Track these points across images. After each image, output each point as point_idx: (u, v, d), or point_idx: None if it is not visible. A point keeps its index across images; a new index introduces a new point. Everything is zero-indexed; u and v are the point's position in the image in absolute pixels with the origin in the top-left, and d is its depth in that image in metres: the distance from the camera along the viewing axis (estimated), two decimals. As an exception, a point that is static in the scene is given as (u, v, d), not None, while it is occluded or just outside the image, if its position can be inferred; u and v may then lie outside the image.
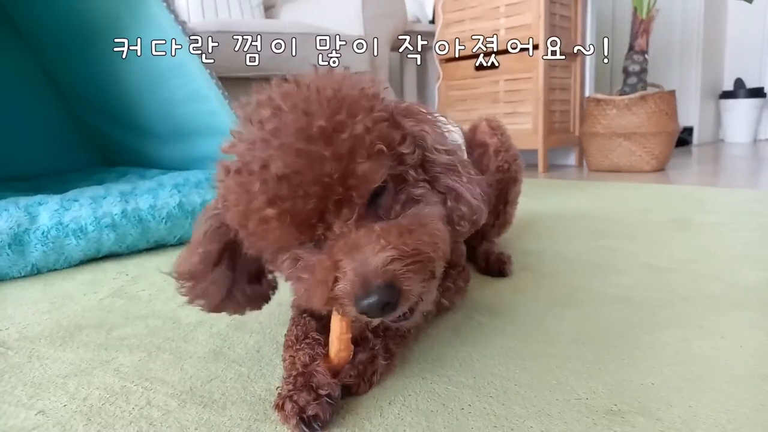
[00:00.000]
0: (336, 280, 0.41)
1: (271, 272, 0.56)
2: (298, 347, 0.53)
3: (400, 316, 0.44)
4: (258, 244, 0.46)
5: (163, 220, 1.11)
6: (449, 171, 0.50)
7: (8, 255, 0.94)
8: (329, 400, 0.46)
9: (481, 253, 0.87)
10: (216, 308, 0.54)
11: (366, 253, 0.40)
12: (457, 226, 0.51)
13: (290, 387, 0.47)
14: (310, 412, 0.44)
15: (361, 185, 0.41)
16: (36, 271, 0.99)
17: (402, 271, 0.40)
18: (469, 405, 0.48)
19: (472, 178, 0.51)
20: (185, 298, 0.53)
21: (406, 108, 0.50)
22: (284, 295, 0.73)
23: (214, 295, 0.53)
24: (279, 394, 0.47)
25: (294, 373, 0.49)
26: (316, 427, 0.44)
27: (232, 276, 0.53)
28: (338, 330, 0.51)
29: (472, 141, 0.83)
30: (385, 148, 0.43)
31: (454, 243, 0.67)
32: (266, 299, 0.57)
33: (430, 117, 0.51)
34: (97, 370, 0.58)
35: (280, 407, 0.46)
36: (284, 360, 0.54)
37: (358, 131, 0.41)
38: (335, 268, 0.41)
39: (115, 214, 1.06)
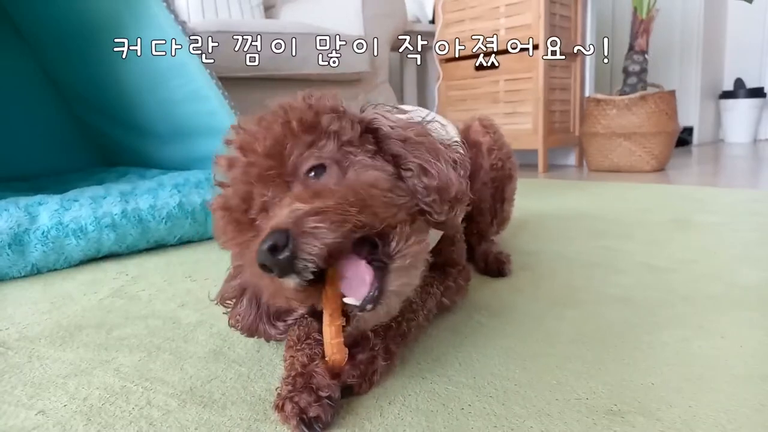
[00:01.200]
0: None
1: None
2: (298, 348, 0.53)
3: (365, 298, 0.44)
4: (229, 249, 0.52)
5: (163, 220, 1.11)
6: (412, 147, 0.52)
7: (8, 255, 0.94)
8: (329, 402, 0.46)
9: (480, 253, 0.88)
10: (250, 334, 0.59)
11: (279, 216, 0.42)
12: (426, 198, 0.51)
13: (290, 388, 0.47)
14: (311, 414, 0.44)
15: (289, 169, 0.48)
16: (36, 271, 0.99)
17: (303, 219, 0.41)
18: (469, 405, 0.48)
19: (438, 151, 0.52)
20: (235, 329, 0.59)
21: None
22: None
23: (245, 323, 0.58)
24: (279, 394, 0.47)
25: (293, 373, 0.49)
26: (317, 428, 0.44)
27: (257, 308, 0.58)
28: (328, 335, 0.50)
29: (466, 140, 0.84)
30: (310, 138, 0.48)
31: (452, 239, 0.68)
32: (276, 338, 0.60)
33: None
34: (97, 370, 0.58)
35: (279, 408, 0.46)
36: (285, 360, 0.54)
37: (288, 124, 0.48)
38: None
39: (115, 214, 1.06)
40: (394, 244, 0.45)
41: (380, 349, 0.52)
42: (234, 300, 0.58)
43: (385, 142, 0.52)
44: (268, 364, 0.58)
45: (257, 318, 0.58)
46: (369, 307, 0.44)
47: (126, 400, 0.51)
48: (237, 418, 0.47)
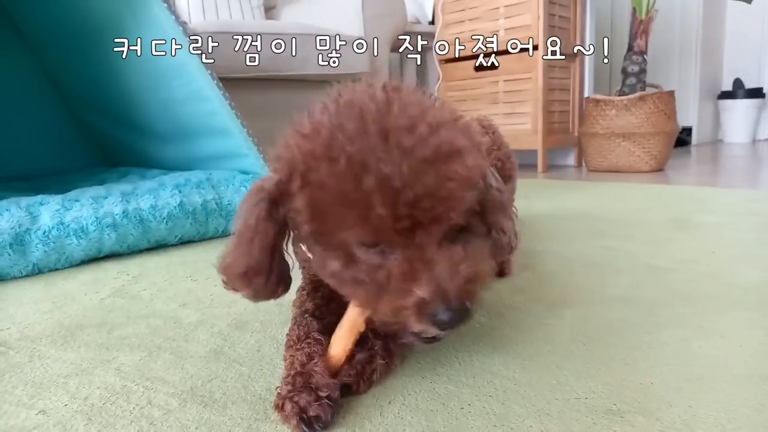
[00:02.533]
0: (411, 289, 0.42)
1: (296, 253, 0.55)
2: (298, 347, 0.53)
3: (434, 337, 0.46)
4: (324, 236, 0.45)
5: (164, 220, 1.11)
6: (500, 209, 0.53)
7: (9, 255, 0.95)
8: (329, 401, 0.46)
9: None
10: (264, 297, 0.53)
11: (448, 269, 0.42)
12: (498, 256, 0.54)
13: (289, 387, 0.47)
14: (311, 413, 0.44)
15: (461, 209, 0.43)
16: (37, 271, 0.99)
17: (473, 293, 0.43)
18: (469, 404, 0.48)
19: (511, 212, 0.55)
20: (238, 293, 0.52)
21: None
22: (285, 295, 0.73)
23: (269, 284, 0.51)
24: (278, 394, 0.47)
25: (292, 372, 0.49)
26: (318, 428, 0.44)
27: (279, 263, 0.51)
28: (357, 325, 0.51)
29: None
30: (482, 185, 0.46)
31: None
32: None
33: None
34: (98, 370, 0.58)
35: (279, 407, 0.46)
36: (285, 359, 0.54)
37: (475, 160, 0.43)
38: (412, 277, 0.42)
39: (116, 214, 1.06)
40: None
41: (379, 349, 0.53)
42: (259, 267, 0.50)
43: (485, 202, 0.51)
44: (269, 363, 0.58)
45: (280, 284, 0.52)
46: (436, 343, 0.49)
47: (127, 399, 0.52)
48: (237, 418, 0.48)
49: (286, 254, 0.52)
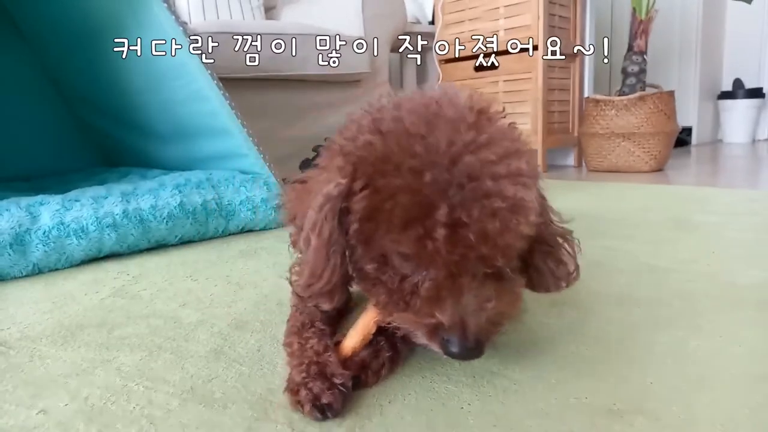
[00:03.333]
0: (433, 312, 0.43)
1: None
2: (306, 334, 0.54)
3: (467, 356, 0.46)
4: (370, 238, 0.44)
5: (164, 220, 1.11)
6: (555, 241, 0.53)
7: (9, 255, 0.95)
8: (342, 389, 0.47)
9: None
10: (339, 300, 0.51)
11: (472, 303, 0.43)
12: (552, 288, 0.55)
13: (304, 375, 0.48)
14: (324, 401, 0.46)
15: (511, 257, 0.44)
16: (37, 271, 0.99)
17: (490, 334, 0.44)
18: (469, 404, 0.48)
19: (573, 243, 0.55)
20: (318, 305, 0.52)
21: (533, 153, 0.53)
22: (284, 294, 0.74)
23: (339, 287, 0.50)
24: (291, 380, 0.49)
25: (306, 361, 0.50)
26: (329, 415, 0.46)
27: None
28: (366, 329, 0.53)
29: None
30: (532, 234, 0.45)
31: None
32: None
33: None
34: (98, 370, 0.58)
35: (294, 392, 0.47)
36: (290, 345, 0.54)
37: (536, 214, 0.43)
38: (439, 301, 0.43)
39: (117, 214, 1.06)
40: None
41: (385, 344, 0.54)
42: (338, 286, 0.49)
43: (544, 238, 0.51)
44: (269, 363, 0.58)
45: (345, 286, 0.51)
46: (465, 361, 0.50)
47: (127, 399, 0.52)
48: (238, 418, 0.48)
49: None
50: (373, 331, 0.53)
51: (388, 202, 0.41)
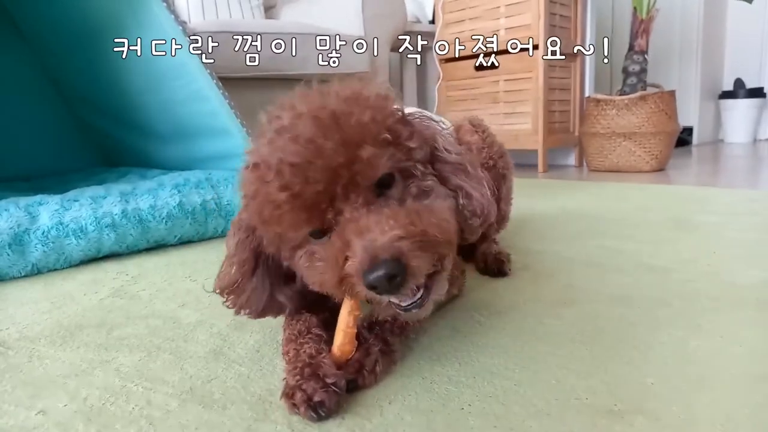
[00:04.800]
0: (346, 259, 0.43)
1: None
2: (302, 341, 0.54)
3: (412, 303, 0.47)
4: (274, 236, 0.49)
5: (164, 220, 1.11)
6: (458, 170, 0.53)
7: (8, 255, 0.95)
8: (335, 388, 0.48)
9: (480, 253, 0.88)
10: (261, 314, 0.58)
11: (375, 232, 0.42)
12: (469, 221, 0.54)
13: (298, 377, 0.49)
14: (316, 398, 0.46)
15: (366, 170, 0.44)
16: (36, 271, 0.99)
17: (409, 248, 0.42)
18: (469, 404, 0.48)
19: (480, 177, 0.55)
20: (231, 310, 0.57)
21: (418, 116, 0.54)
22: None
23: (258, 302, 0.57)
24: (287, 384, 0.49)
25: (300, 364, 0.50)
26: (322, 413, 0.46)
27: (270, 280, 0.56)
28: (344, 323, 0.53)
29: (458, 141, 0.84)
30: (390, 137, 0.46)
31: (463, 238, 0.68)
32: (305, 296, 0.58)
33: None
34: (97, 370, 0.58)
35: (289, 396, 0.47)
36: (287, 353, 0.55)
37: (365, 119, 0.44)
38: (346, 248, 0.43)
39: (116, 214, 1.06)
40: (445, 261, 0.49)
41: (374, 342, 0.54)
42: (237, 285, 0.56)
43: (440, 166, 0.53)
44: (268, 364, 0.58)
45: (270, 294, 0.57)
46: (414, 311, 0.48)
47: (126, 399, 0.52)
48: (237, 418, 0.48)
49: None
50: (351, 323, 0.53)
51: (254, 203, 0.46)
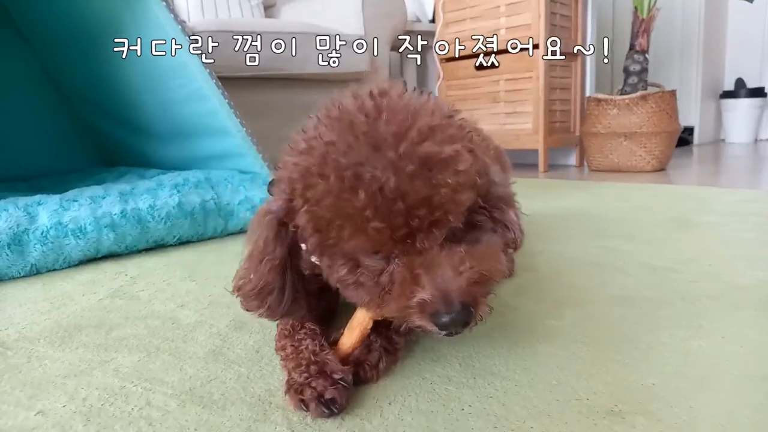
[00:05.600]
0: (413, 292, 0.43)
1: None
2: (298, 336, 0.54)
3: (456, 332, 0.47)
4: (329, 250, 0.47)
5: (163, 220, 1.11)
6: (502, 203, 0.54)
7: (7, 255, 0.94)
8: (344, 384, 0.48)
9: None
10: (280, 315, 0.54)
11: (448, 271, 0.43)
12: (508, 249, 0.55)
13: (306, 374, 0.49)
14: (327, 396, 0.46)
15: (458, 212, 0.44)
16: (35, 271, 0.99)
17: (479, 294, 0.44)
18: (469, 405, 0.48)
19: (516, 209, 0.55)
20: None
21: (478, 134, 0.54)
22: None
23: (284, 305, 0.53)
24: (293, 381, 0.49)
25: (305, 362, 0.50)
26: (334, 410, 0.46)
27: (297, 282, 0.53)
28: (364, 323, 0.53)
29: None
30: (477, 180, 0.46)
31: None
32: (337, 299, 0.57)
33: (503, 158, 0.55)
34: (96, 371, 0.58)
35: (297, 392, 0.47)
36: (283, 349, 0.55)
37: (467, 164, 0.44)
38: (414, 280, 0.43)
39: (115, 214, 1.06)
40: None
41: (377, 338, 0.54)
42: (267, 285, 0.52)
43: (488, 197, 0.52)
44: (268, 364, 0.58)
45: (296, 302, 0.54)
46: (456, 336, 0.48)
47: (125, 400, 0.51)
48: (236, 419, 0.47)
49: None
50: (370, 326, 0.53)
51: (325, 210, 0.43)
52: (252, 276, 0.51)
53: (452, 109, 0.49)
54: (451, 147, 0.43)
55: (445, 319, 0.42)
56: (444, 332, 0.44)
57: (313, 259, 0.51)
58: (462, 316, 0.42)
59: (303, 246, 0.51)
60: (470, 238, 0.47)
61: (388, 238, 0.42)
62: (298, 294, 0.54)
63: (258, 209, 0.54)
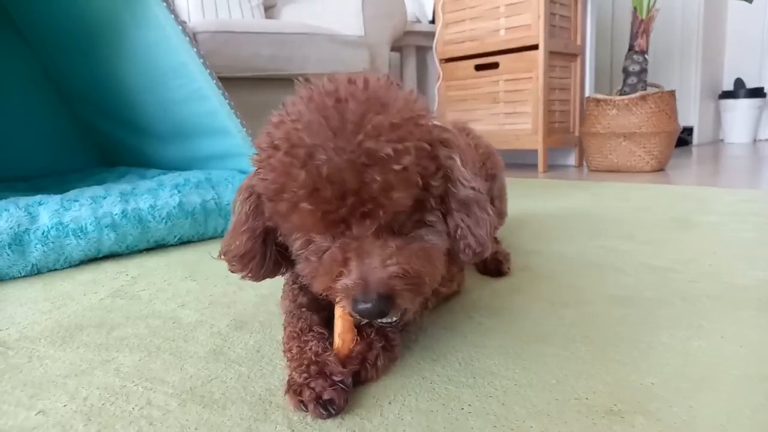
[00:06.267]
0: (340, 274, 0.46)
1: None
2: (305, 338, 0.55)
3: (387, 323, 0.51)
4: (280, 222, 0.50)
5: (163, 220, 1.11)
6: (463, 208, 0.53)
7: (8, 255, 0.94)
8: (343, 386, 0.48)
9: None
10: (262, 278, 0.59)
11: (375, 261, 0.45)
12: (461, 255, 0.54)
13: (306, 375, 0.49)
14: (326, 397, 0.47)
15: (391, 207, 0.45)
16: (36, 271, 0.99)
17: (400, 289, 0.45)
18: (469, 405, 0.48)
19: (482, 218, 0.54)
20: (236, 274, 0.58)
21: (446, 137, 0.53)
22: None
23: (265, 268, 0.57)
24: (293, 381, 0.49)
25: (306, 362, 0.51)
26: (332, 410, 0.46)
27: (275, 247, 0.57)
28: (339, 328, 0.55)
29: None
30: (420, 182, 0.47)
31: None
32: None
33: (462, 144, 0.55)
34: (97, 370, 0.58)
35: (296, 393, 0.48)
36: (289, 350, 0.55)
37: (407, 163, 0.44)
38: (343, 263, 0.46)
39: (115, 214, 1.06)
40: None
41: (376, 336, 0.55)
42: (248, 252, 0.56)
43: (448, 199, 0.52)
44: (268, 364, 0.58)
45: (275, 260, 0.58)
46: (389, 328, 0.54)
47: (126, 399, 0.52)
48: (237, 418, 0.47)
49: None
50: (348, 317, 0.54)
51: (273, 182, 0.46)
52: (235, 243, 0.56)
53: (425, 108, 0.50)
54: (394, 145, 0.44)
55: (361, 306, 0.44)
56: (364, 320, 0.47)
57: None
58: (378, 306, 0.44)
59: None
60: (414, 235, 0.49)
61: (318, 220, 0.44)
62: (279, 259, 0.58)
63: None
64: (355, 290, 0.45)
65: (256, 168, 0.50)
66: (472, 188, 0.53)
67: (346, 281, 0.45)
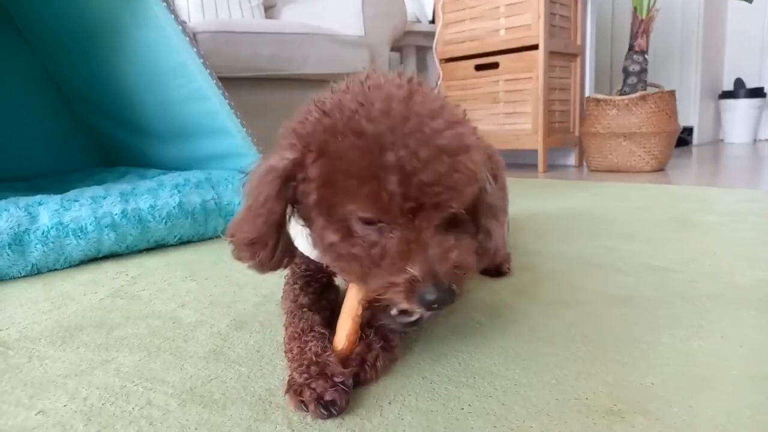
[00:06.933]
0: (405, 266, 0.45)
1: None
2: (306, 338, 0.55)
3: (413, 321, 0.51)
4: (330, 207, 0.47)
5: (164, 220, 1.11)
6: (490, 212, 0.55)
7: (8, 255, 0.94)
8: (344, 387, 0.48)
9: (477, 252, 0.88)
10: (269, 269, 0.56)
11: (440, 253, 0.45)
12: (481, 259, 0.55)
13: (306, 375, 0.49)
14: (327, 398, 0.46)
15: (464, 200, 0.47)
16: (36, 271, 0.99)
17: (459, 278, 0.46)
18: (469, 405, 0.48)
19: (502, 222, 0.57)
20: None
21: (489, 146, 0.56)
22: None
23: (276, 258, 0.55)
24: (293, 381, 0.49)
25: (306, 362, 0.50)
26: (333, 411, 0.46)
27: (285, 238, 0.55)
28: (353, 310, 0.54)
29: None
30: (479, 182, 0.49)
31: None
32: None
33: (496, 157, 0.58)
34: (97, 370, 0.58)
35: (297, 393, 0.48)
36: (290, 351, 0.55)
37: (480, 159, 0.47)
38: (407, 256, 0.45)
39: (115, 214, 1.06)
40: None
41: (375, 337, 0.55)
42: (260, 238, 0.53)
43: (477, 203, 0.53)
44: (268, 364, 0.58)
45: (285, 256, 0.56)
46: (411, 329, 0.54)
47: (126, 400, 0.52)
48: (237, 418, 0.47)
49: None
50: (360, 312, 0.54)
51: (343, 165, 0.45)
52: (247, 228, 0.53)
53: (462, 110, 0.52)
54: (472, 138, 0.46)
55: (431, 296, 0.44)
56: (426, 311, 0.46)
57: (301, 224, 0.53)
58: (447, 295, 0.44)
59: (296, 206, 0.53)
60: (455, 232, 0.49)
61: (397, 206, 0.44)
62: (288, 250, 0.56)
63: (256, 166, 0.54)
64: (424, 282, 0.44)
65: (303, 152, 0.48)
66: (495, 197, 0.56)
67: (413, 273, 0.44)
